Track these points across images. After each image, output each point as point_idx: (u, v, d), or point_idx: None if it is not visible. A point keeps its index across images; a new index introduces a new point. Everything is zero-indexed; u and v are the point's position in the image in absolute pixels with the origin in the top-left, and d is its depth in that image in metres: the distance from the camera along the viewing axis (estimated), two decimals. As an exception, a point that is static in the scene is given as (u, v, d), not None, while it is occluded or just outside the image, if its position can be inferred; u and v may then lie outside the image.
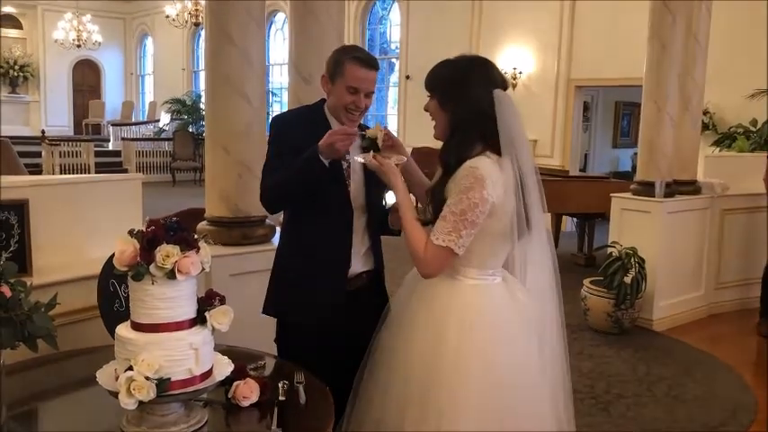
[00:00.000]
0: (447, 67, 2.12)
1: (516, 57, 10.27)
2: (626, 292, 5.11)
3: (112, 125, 17.18)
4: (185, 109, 16.26)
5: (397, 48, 13.12)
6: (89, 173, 12.43)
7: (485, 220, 1.99)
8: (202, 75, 17.78)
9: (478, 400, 1.98)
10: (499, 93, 2.06)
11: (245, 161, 3.10)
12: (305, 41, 3.30)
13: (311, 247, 2.31)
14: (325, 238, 2.29)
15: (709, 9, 5.77)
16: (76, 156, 13.65)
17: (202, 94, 16.92)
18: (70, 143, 14.15)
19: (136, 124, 17.78)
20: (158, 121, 17.45)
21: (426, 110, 2.15)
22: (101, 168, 13.50)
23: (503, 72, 2.19)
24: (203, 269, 1.74)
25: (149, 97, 19.37)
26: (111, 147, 16.26)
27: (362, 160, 2.18)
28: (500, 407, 2.00)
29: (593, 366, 4.58)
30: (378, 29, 13.96)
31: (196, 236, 1.79)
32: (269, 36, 14.92)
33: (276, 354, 2.40)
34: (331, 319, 2.26)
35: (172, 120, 16.60)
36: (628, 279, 5.14)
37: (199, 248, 1.74)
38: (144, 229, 1.70)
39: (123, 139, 16.03)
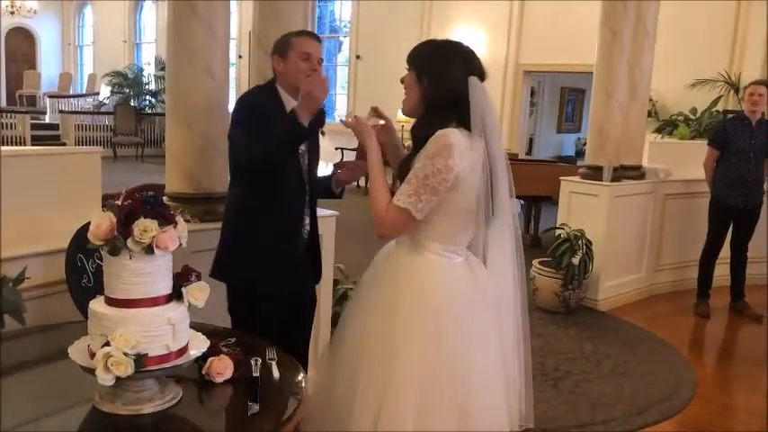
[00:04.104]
0: (431, 44, 2.22)
1: (467, 40, 10.03)
2: (574, 273, 5.26)
3: (49, 97, 16.47)
4: (127, 82, 15.80)
5: (346, 26, 13.02)
6: (25, 146, 11.95)
7: (449, 194, 2.01)
8: (145, 47, 17.40)
9: (423, 373, 2.01)
10: (475, 80, 2.11)
11: (208, 136, 3.04)
12: (269, 14, 3.23)
13: (272, 212, 2.52)
14: (284, 206, 2.55)
15: (658, -3, 5.93)
16: (11, 128, 13.10)
17: (144, 67, 16.53)
18: (4, 114, 13.55)
19: (74, 97, 17.10)
20: (98, 94, 16.85)
21: (402, 81, 2.19)
22: (37, 142, 12.98)
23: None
24: (180, 244, 1.72)
25: (88, 69, 18.67)
26: (47, 119, 15.61)
27: (341, 119, 2.25)
28: (447, 381, 2.03)
29: (542, 344, 4.71)
30: (327, 6, 13.81)
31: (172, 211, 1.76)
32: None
33: (231, 325, 2.51)
34: (284, 278, 2.51)
35: (112, 93, 16.06)
36: (575, 260, 5.28)
37: (176, 223, 1.72)
38: (120, 203, 1.67)
39: (61, 111, 15.41)
